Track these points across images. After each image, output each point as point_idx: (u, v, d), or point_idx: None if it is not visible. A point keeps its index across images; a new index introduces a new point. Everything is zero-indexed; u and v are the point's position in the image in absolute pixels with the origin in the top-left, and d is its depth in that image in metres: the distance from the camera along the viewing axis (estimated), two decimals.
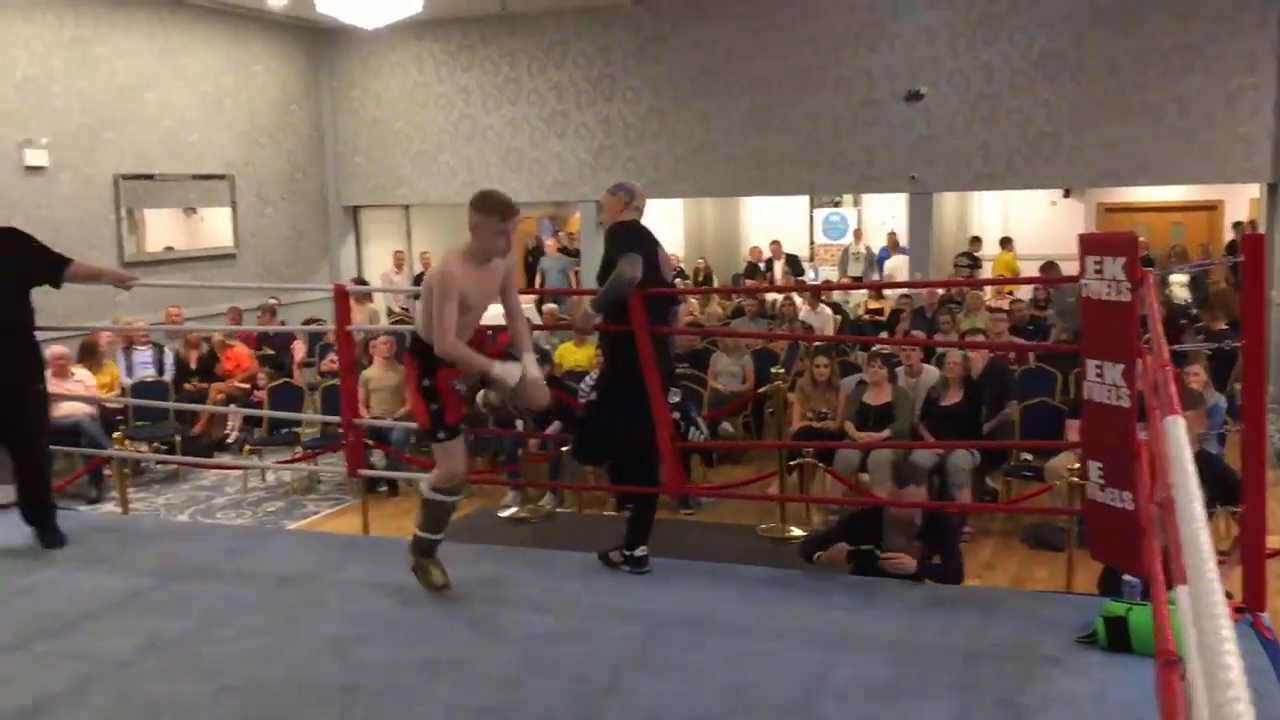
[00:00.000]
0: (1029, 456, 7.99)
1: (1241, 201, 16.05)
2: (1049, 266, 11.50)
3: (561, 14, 13.58)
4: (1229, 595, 4.22)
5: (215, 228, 13.25)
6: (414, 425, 9.12)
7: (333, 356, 10.39)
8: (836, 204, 18.41)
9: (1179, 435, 1.69)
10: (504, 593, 4.57)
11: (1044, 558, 7.13)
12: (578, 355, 10.02)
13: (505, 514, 7.19)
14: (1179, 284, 12.99)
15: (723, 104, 13.13)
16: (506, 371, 4.21)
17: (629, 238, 4.75)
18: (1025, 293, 12.45)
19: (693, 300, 12.91)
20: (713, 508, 8.42)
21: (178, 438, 9.68)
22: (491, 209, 4.16)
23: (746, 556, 5.85)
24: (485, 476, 8.89)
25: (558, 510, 8.16)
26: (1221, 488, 4.71)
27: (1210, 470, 5.16)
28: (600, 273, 4.84)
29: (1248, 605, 3.92)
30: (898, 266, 15.33)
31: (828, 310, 12.29)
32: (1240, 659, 1.05)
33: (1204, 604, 1.12)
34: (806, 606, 4.32)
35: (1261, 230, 12.55)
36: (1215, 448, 7.32)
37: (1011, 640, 3.89)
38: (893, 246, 16.11)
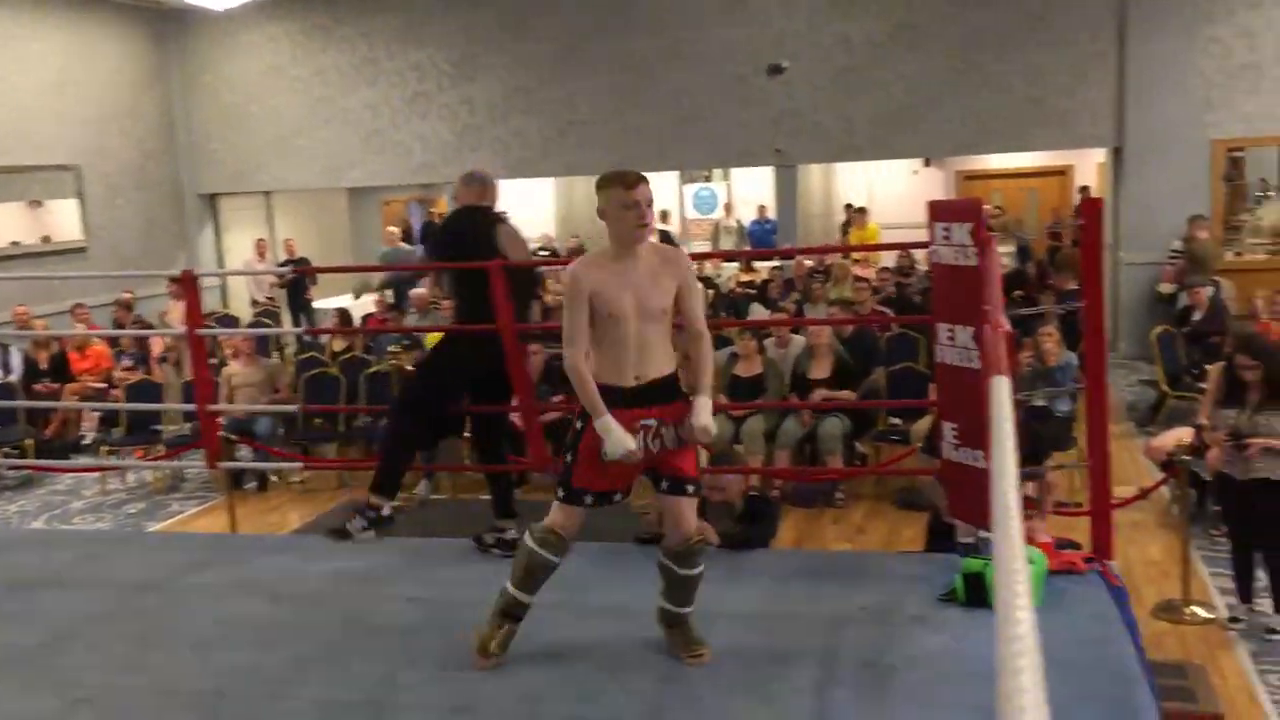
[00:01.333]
0: (897, 421, 8.20)
1: (1090, 166, 16.71)
2: None
3: None
4: (1077, 545, 4.43)
5: (63, 220, 12.68)
6: (283, 412, 8.93)
7: (126, 361, 10.05)
8: (706, 179, 18.54)
9: (1000, 396, 1.73)
10: (376, 585, 4.49)
11: (913, 518, 7.32)
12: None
13: None
14: (1005, 254, 13.44)
15: (589, 82, 13.08)
16: (612, 441, 3.35)
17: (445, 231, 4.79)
18: (891, 260, 12.73)
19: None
20: None
21: (29, 441, 9.26)
22: (611, 180, 3.40)
23: (623, 535, 5.85)
24: (357, 465, 8.75)
25: (432, 497, 8.07)
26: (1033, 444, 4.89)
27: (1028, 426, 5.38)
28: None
29: (1096, 555, 4.08)
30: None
31: (698, 285, 12.34)
32: (1030, 614, 1.07)
33: (1004, 560, 1.15)
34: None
35: (1104, 194, 13.10)
36: (1067, 404, 7.62)
37: (878, 602, 3.98)
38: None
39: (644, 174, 3.45)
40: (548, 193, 18.00)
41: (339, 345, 10.35)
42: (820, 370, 8.02)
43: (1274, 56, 11.26)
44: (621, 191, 3.36)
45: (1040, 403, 7.37)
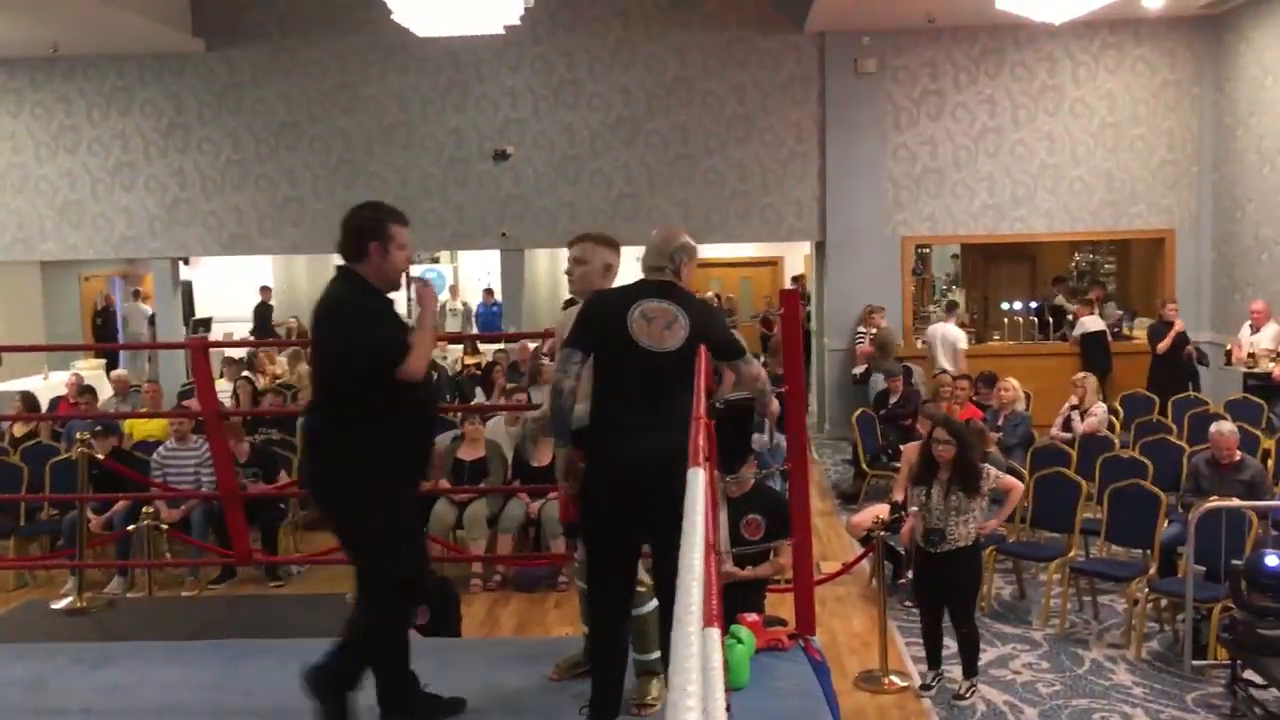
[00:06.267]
0: None
1: (798, 258, 17.79)
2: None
3: (123, 58, 12.67)
4: (783, 622, 4.59)
5: None
6: None
7: None
8: (434, 260, 18.42)
9: (695, 486, 1.77)
10: (48, 697, 4.07)
11: None
12: (149, 426, 9.27)
13: (59, 605, 6.42)
14: None
15: (309, 158, 12.77)
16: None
17: None
18: None
19: (281, 360, 12.42)
20: (304, 578, 8.04)
21: None
22: None
23: (335, 628, 5.58)
24: (37, 563, 8.03)
25: (127, 595, 7.44)
26: (780, 520, 5.12)
27: (772, 505, 5.60)
28: None
29: (799, 630, 4.23)
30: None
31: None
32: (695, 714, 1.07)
33: (680, 659, 1.15)
34: None
35: (812, 284, 13.94)
36: (778, 484, 7.94)
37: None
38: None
39: (582, 234, 4.01)
40: (265, 271, 17.30)
41: (21, 430, 9.49)
42: (541, 458, 8.01)
43: (952, 163, 12.44)
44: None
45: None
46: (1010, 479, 5.87)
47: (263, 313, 15.90)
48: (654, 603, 3.75)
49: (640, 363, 3.46)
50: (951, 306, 12.48)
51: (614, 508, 3.42)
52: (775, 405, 4.21)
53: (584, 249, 3.92)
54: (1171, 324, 10.96)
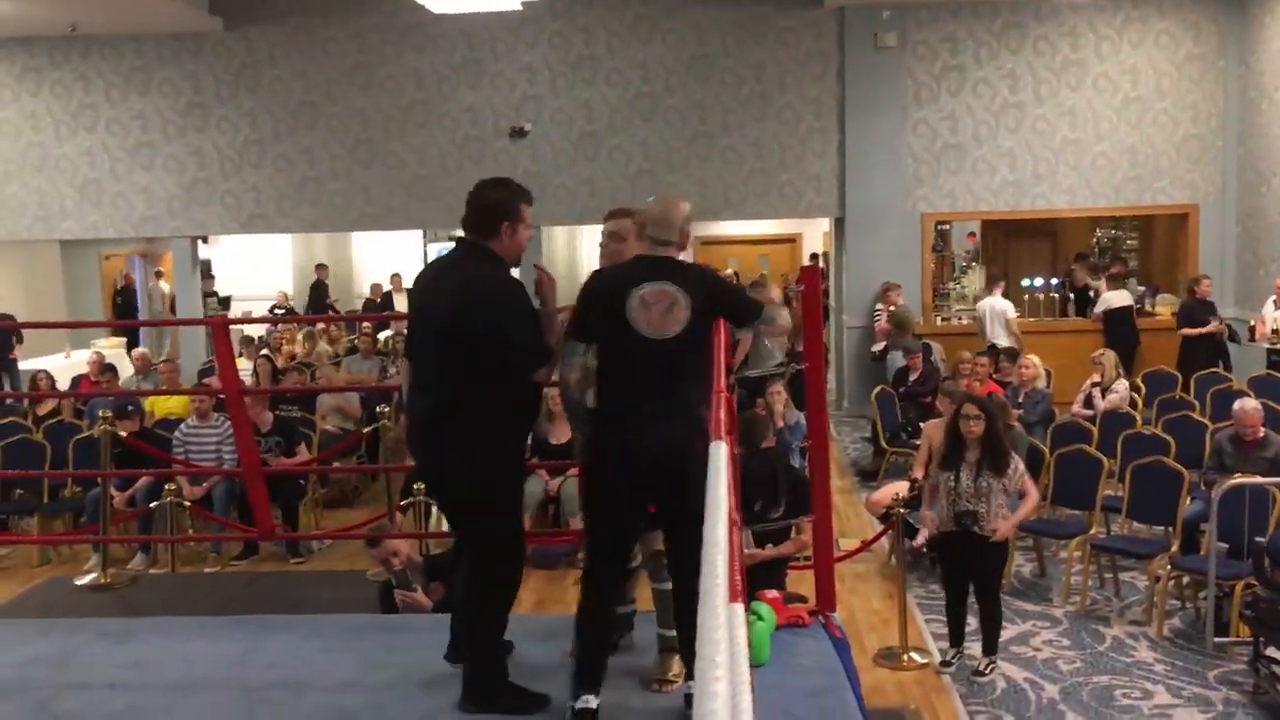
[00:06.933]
0: None
1: (817, 235, 17.70)
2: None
3: (141, 38, 12.68)
4: (803, 599, 4.58)
5: None
6: None
7: None
8: (452, 237, 18.42)
9: (717, 459, 1.76)
10: (72, 672, 4.10)
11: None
12: (170, 403, 9.31)
13: (83, 581, 6.48)
14: None
15: (326, 137, 12.77)
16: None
17: None
18: None
19: (299, 339, 12.46)
20: (324, 554, 8.08)
21: None
22: None
23: (355, 604, 5.63)
24: (60, 540, 8.09)
25: (150, 571, 7.50)
26: (800, 498, 5.11)
27: (792, 483, 5.59)
28: None
29: (819, 607, 4.23)
30: None
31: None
32: (724, 688, 1.06)
33: (707, 630, 1.14)
34: (415, 652, 4.18)
35: (831, 261, 13.87)
36: (797, 460, 7.92)
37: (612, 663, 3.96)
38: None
39: (619, 209, 3.95)
40: (284, 249, 17.36)
41: (45, 408, 9.56)
42: (560, 435, 8.01)
43: (973, 138, 12.33)
44: None
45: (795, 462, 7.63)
46: (1030, 483, 5.81)
47: (319, 290, 16.18)
48: None
49: (642, 352, 3.34)
50: (995, 279, 12.72)
51: (632, 495, 3.38)
52: (785, 318, 4.12)
53: (620, 225, 3.80)
54: (1205, 301, 10.87)
